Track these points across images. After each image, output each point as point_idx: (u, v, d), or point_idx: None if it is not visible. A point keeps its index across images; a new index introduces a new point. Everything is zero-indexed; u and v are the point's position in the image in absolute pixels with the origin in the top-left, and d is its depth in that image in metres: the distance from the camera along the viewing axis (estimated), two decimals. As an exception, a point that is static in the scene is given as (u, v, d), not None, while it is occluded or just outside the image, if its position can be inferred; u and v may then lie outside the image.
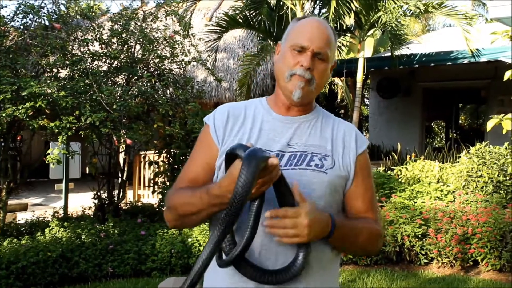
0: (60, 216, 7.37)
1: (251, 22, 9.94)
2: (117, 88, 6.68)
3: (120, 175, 7.86)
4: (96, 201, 7.50)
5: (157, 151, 7.64)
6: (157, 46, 7.41)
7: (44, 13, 6.88)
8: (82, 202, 8.39)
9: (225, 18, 9.91)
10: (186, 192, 1.67)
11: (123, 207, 7.92)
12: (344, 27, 9.87)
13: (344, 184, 1.71)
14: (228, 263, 1.52)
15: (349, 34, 10.87)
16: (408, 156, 9.54)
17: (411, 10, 9.97)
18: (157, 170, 8.12)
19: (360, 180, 1.73)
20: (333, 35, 1.76)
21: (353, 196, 1.73)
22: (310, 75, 1.68)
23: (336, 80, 17.21)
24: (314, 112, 1.79)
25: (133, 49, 7.32)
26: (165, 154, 7.76)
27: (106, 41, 7.07)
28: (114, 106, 6.07)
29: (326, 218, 1.55)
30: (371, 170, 1.83)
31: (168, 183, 7.76)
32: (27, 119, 5.71)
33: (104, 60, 7.07)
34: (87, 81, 6.21)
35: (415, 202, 7.31)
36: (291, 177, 1.58)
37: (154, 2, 8.58)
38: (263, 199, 1.50)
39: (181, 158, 7.53)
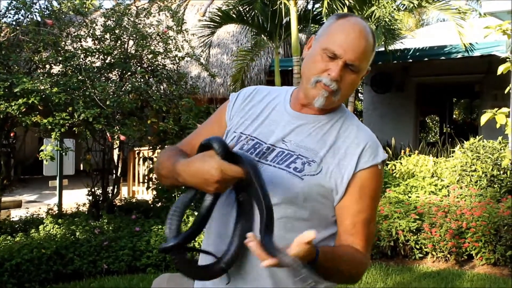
0: (54, 213, 7.35)
1: (245, 17, 9.92)
2: (111, 84, 6.65)
3: (114, 172, 7.84)
4: (90, 197, 7.47)
5: (151, 147, 7.62)
6: (150, 42, 7.38)
7: (36, 9, 6.83)
8: (76, 198, 8.36)
9: (219, 13, 9.89)
10: (169, 154, 1.67)
11: (118, 204, 7.90)
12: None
13: (330, 196, 1.57)
14: (166, 250, 1.47)
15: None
16: (403, 151, 9.56)
17: (404, 5, 9.96)
18: (151, 166, 8.10)
19: (355, 198, 1.57)
20: (373, 42, 1.62)
21: (343, 214, 1.58)
22: (336, 86, 1.57)
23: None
24: (332, 114, 1.66)
25: (126, 45, 7.29)
26: (159, 150, 7.74)
27: (99, 37, 7.03)
28: (108, 102, 6.05)
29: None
30: (376, 192, 1.62)
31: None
32: (20, 116, 5.68)
33: (97, 56, 7.03)
34: (80, 77, 6.17)
35: (409, 197, 7.33)
36: (268, 175, 1.53)
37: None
38: (219, 196, 1.51)
39: (175, 154, 7.50)
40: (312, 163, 1.56)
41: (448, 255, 6.33)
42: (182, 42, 7.79)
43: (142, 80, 7.16)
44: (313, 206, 1.56)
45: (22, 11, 6.67)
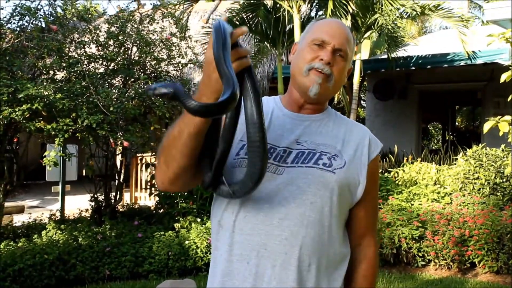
0: (56, 219, 7.36)
1: (248, 24, 9.93)
2: (114, 90, 6.67)
3: (117, 177, 7.85)
4: (93, 203, 7.48)
5: (154, 153, 7.62)
6: (153, 48, 7.41)
7: (40, 15, 6.86)
8: (79, 204, 8.37)
9: (222, 20, 9.90)
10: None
11: (120, 210, 7.91)
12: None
13: (354, 189, 1.63)
14: (207, 186, 1.49)
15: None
16: (405, 158, 9.55)
17: (407, 13, 9.99)
18: (154, 172, 8.11)
19: (368, 187, 1.66)
20: (352, 38, 1.72)
21: (359, 203, 1.66)
22: (329, 70, 1.61)
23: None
24: (325, 113, 1.72)
25: (129, 51, 7.31)
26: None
27: (102, 43, 7.06)
28: (111, 108, 6.06)
29: None
30: (378, 176, 1.76)
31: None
32: (24, 121, 5.70)
33: (100, 62, 7.06)
34: (83, 83, 6.19)
35: (412, 204, 7.31)
36: (297, 175, 1.55)
37: (151, 4, 8.58)
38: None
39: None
40: (336, 157, 1.61)
41: (451, 263, 6.32)
42: (186, 48, 7.81)
43: (145, 86, 7.18)
44: (343, 203, 1.62)
45: (27, 17, 6.69)
